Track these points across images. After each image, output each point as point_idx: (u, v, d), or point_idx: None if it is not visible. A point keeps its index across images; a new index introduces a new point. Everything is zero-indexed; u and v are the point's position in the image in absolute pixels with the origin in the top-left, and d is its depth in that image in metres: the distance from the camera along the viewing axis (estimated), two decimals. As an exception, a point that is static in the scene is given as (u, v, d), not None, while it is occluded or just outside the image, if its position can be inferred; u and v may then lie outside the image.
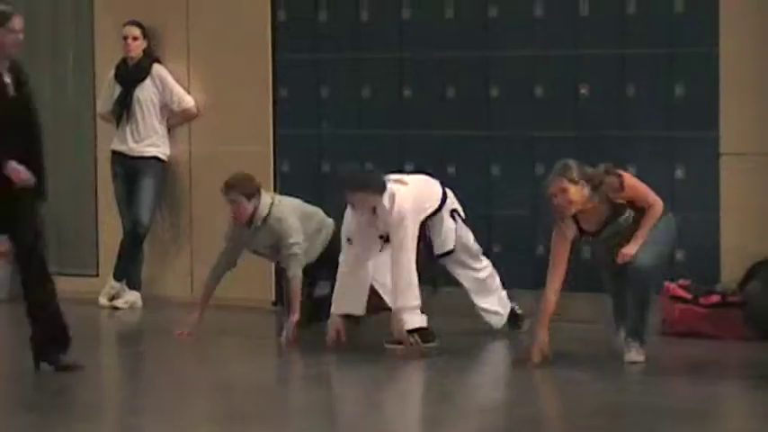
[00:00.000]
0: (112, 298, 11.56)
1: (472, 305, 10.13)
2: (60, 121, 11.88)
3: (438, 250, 9.89)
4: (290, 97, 11.15)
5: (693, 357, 9.77)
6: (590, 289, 9.99)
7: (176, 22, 11.70)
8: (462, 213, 10.02)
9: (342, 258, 9.86)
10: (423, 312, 9.76)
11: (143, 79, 11.53)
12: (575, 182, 9.00)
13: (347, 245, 9.81)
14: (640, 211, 9.19)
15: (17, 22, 8.62)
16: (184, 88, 11.58)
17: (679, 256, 10.42)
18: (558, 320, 9.78)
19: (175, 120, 11.69)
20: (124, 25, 11.57)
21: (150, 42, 11.60)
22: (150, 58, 11.59)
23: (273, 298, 11.25)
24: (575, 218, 9.18)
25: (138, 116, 11.53)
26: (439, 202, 9.84)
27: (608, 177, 9.06)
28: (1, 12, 8.66)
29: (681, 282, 10.19)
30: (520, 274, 10.40)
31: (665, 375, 9.26)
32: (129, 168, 11.63)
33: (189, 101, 11.64)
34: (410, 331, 9.72)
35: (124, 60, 11.55)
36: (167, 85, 11.60)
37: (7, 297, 11.99)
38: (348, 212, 9.85)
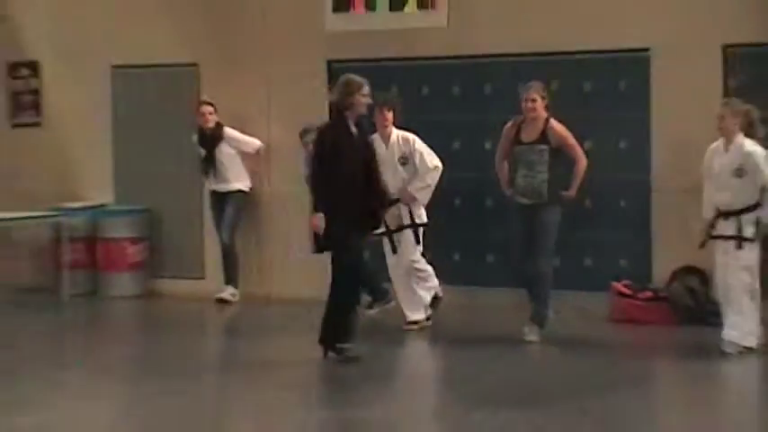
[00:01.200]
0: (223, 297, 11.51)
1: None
2: (183, 170, 11.98)
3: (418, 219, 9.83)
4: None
5: (634, 338, 9.79)
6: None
7: (260, 102, 11.67)
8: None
9: None
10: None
11: (219, 143, 11.53)
12: (542, 98, 9.29)
13: None
14: (560, 160, 9.22)
15: (366, 89, 8.55)
16: (266, 142, 11.54)
17: (623, 263, 10.47)
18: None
19: (252, 159, 11.60)
20: (200, 104, 11.60)
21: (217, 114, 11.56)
22: (220, 126, 11.54)
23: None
24: (519, 128, 9.33)
25: (221, 168, 11.55)
26: None
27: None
28: (356, 81, 8.55)
29: (624, 282, 10.28)
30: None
31: (612, 352, 9.31)
32: (221, 201, 11.63)
33: (257, 142, 11.57)
34: (411, 322, 9.80)
35: (201, 128, 11.54)
36: (239, 140, 11.55)
37: (142, 292, 12.04)
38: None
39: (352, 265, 8.58)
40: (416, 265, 9.90)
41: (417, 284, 9.91)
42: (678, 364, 9.05)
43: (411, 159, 9.85)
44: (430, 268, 9.99)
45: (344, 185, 8.43)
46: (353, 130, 8.56)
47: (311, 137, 10.04)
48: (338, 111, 8.59)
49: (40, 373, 8.72)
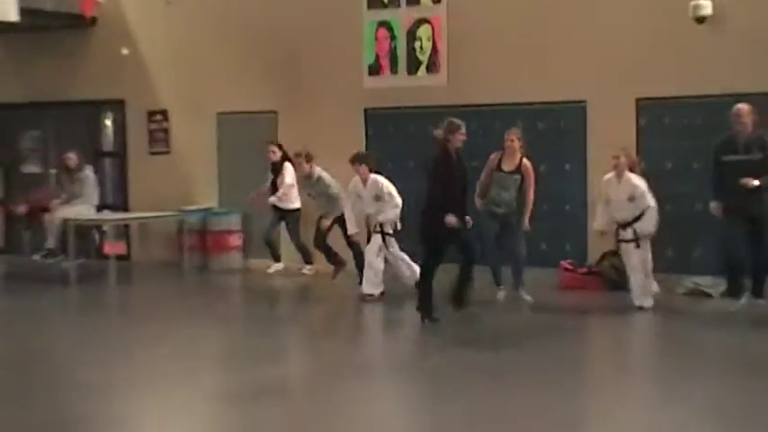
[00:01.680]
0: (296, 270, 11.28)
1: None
2: (266, 185, 11.48)
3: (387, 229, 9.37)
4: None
5: (575, 300, 9.62)
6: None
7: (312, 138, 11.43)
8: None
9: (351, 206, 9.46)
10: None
11: (280, 172, 11.24)
12: (519, 139, 9.10)
13: (357, 199, 9.44)
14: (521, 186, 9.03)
15: (463, 129, 8.06)
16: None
17: (567, 247, 10.37)
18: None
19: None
20: (268, 143, 11.28)
21: (282, 150, 11.23)
22: (283, 159, 11.17)
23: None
24: (501, 159, 9.08)
25: (281, 189, 11.27)
26: None
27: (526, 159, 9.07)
28: (456, 123, 8.09)
29: (568, 261, 10.27)
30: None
31: (560, 309, 9.17)
32: (280, 215, 11.36)
33: (288, 182, 11.18)
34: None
35: (271, 160, 11.07)
36: (287, 175, 11.19)
37: (238, 268, 11.78)
38: (354, 183, 9.46)
39: (472, 248, 8.15)
40: (366, 255, 9.57)
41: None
42: (605, 317, 8.95)
43: (382, 197, 9.50)
44: (376, 262, 9.45)
45: (452, 198, 8.01)
46: (455, 157, 8.12)
47: (303, 160, 10.17)
48: (443, 144, 8.05)
49: (171, 317, 8.94)
